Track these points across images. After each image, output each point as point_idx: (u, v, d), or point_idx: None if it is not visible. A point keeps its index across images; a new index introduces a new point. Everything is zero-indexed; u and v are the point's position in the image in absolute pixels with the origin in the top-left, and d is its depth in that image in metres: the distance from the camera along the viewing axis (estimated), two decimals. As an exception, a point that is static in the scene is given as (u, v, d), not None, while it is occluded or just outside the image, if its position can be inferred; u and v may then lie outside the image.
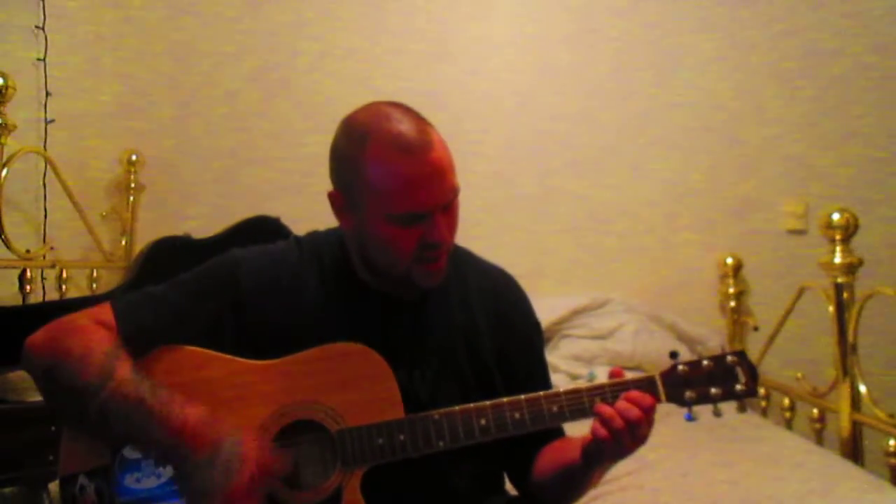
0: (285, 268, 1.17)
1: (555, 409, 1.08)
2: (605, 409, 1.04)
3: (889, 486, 1.72)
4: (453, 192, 1.09)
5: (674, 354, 1.12)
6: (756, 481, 1.68)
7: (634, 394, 1.05)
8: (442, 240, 1.08)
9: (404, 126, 1.06)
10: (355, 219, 1.12)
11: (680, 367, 1.10)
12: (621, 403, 1.04)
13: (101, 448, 1.06)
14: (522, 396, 1.09)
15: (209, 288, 1.14)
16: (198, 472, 0.99)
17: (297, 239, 1.24)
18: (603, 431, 1.03)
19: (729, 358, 1.11)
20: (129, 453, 1.05)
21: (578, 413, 1.08)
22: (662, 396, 1.08)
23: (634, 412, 1.03)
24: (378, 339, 1.10)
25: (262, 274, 1.15)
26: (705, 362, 1.11)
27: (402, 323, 1.16)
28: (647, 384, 1.08)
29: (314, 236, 1.25)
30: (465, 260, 1.27)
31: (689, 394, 1.09)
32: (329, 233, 1.24)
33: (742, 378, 1.10)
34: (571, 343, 2.44)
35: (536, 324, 1.30)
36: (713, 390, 1.09)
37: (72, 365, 1.03)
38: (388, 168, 1.05)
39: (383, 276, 1.14)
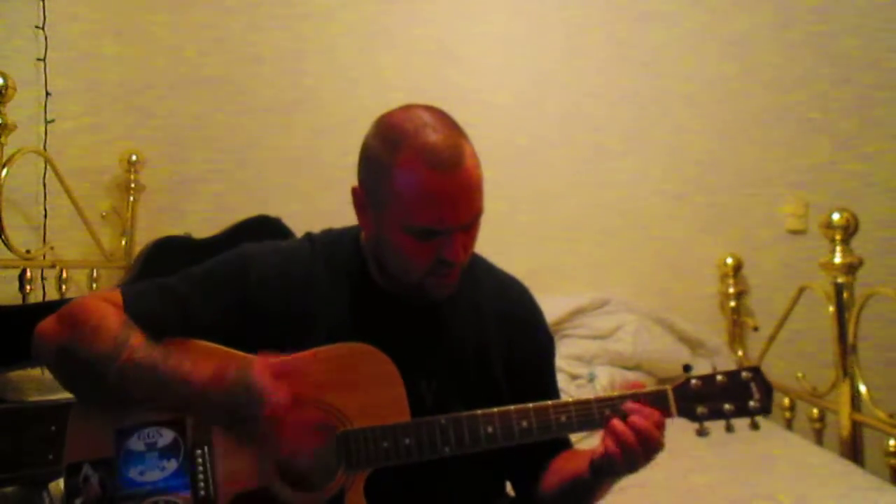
0: (297, 265, 1.16)
1: (563, 418, 1.07)
2: (618, 425, 1.03)
3: (889, 486, 1.72)
4: (476, 213, 1.08)
5: (687, 368, 1.10)
6: (756, 481, 1.69)
7: (648, 410, 1.04)
8: (456, 259, 1.07)
9: (439, 138, 1.04)
10: (375, 220, 1.11)
11: (693, 382, 1.08)
12: (634, 417, 1.03)
13: (106, 439, 1.06)
14: (530, 405, 1.08)
15: (219, 281, 1.14)
16: (228, 412, 1.02)
17: (311, 236, 1.23)
18: (615, 448, 1.02)
19: (744, 374, 1.09)
20: (134, 446, 1.05)
21: (587, 424, 1.07)
22: (674, 410, 1.07)
23: (650, 431, 1.02)
24: (387, 342, 1.09)
25: (273, 270, 1.14)
26: (719, 377, 1.08)
27: (412, 327, 1.15)
28: (658, 397, 1.07)
29: (328, 234, 1.24)
30: (481, 268, 1.26)
31: (700, 409, 1.07)
32: (344, 232, 1.23)
33: (756, 395, 1.08)
34: (571, 343, 2.44)
35: (549, 337, 1.29)
36: (726, 406, 1.07)
37: (86, 337, 1.04)
38: (415, 181, 1.03)
39: (396, 282, 1.13)
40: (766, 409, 1.09)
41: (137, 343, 1.04)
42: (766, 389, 1.09)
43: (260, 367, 1.03)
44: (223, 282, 1.14)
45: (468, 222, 1.07)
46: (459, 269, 1.11)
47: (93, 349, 1.04)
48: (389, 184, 1.06)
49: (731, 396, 1.08)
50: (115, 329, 1.05)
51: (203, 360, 1.04)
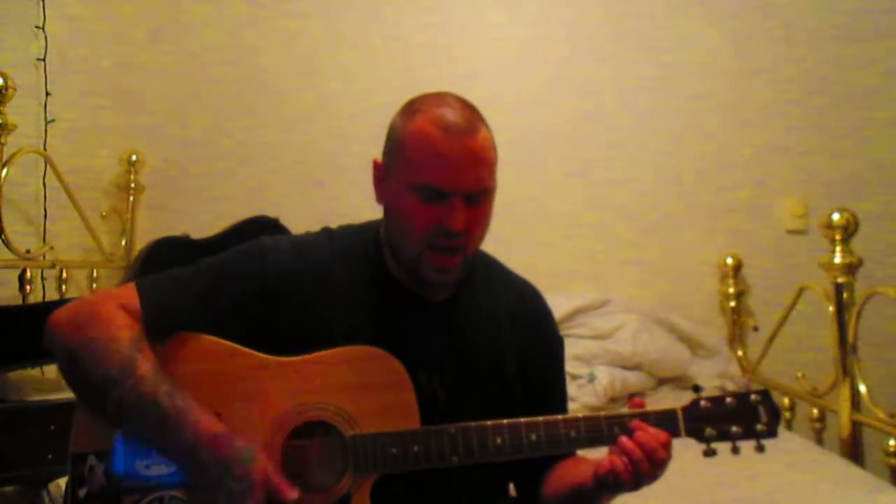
0: (314, 259, 1.16)
1: (572, 434, 1.08)
2: (628, 444, 1.03)
3: (889, 486, 1.72)
4: (480, 185, 1.09)
5: (697, 388, 1.11)
6: (756, 481, 1.68)
7: (654, 430, 1.05)
8: (457, 229, 1.07)
9: (454, 111, 1.09)
10: (386, 187, 1.14)
11: (702, 403, 1.09)
12: (644, 436, 1.04)
13: (113, 430, 1.05)
14: (540, 418, 1.08)
15: (235, 274, 1.13)
16: (206, 491, 0.98)
17: (329, 231, 1.23)
18: (623, 465, 1.02)
19: (752, 397, 1.10)
20: None
21: (596, 440, 1.08)
22: (682, 431, 1.08)
23: (657, 450, 1.03)
24: (402, 337, 1.10)
25: (290, 264, 1.14)
26: (728, 399, 1.10)
27: (428, 323, 1.16)
28: (667, 417, 1.08)
29: (347, 229, 1.24)
30: (494, 269, 1.27)
31: (709, 430, 1.08)
32: (363, 227, 1.23)
33: (764, 418, 1.09)
34: (571, 343, 2.43)
35: (560, 340, 1.30)
36: (734, 428, 1.08)
37: (94, 354, 1.02)
38: (423, 138, 1.07)
39: (402, 262, 1.14)
40: (772, 433, 1.09)
41: (144, 372, 1.01)
42: (774, 413, 1.10)
43: (263, 466, 0.98)
44: (239, 275, 1.13)
45: (472, 191, 1.08)
46: (461, 256, 1.11)
47: (98, 368, 1.01)
48: (399, 144, 1.10)
49: (739, 419, 1.09)
50: (124, 351, 1.02)
51: (209, 412, 1.01)
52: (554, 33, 2.78)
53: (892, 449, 1.83)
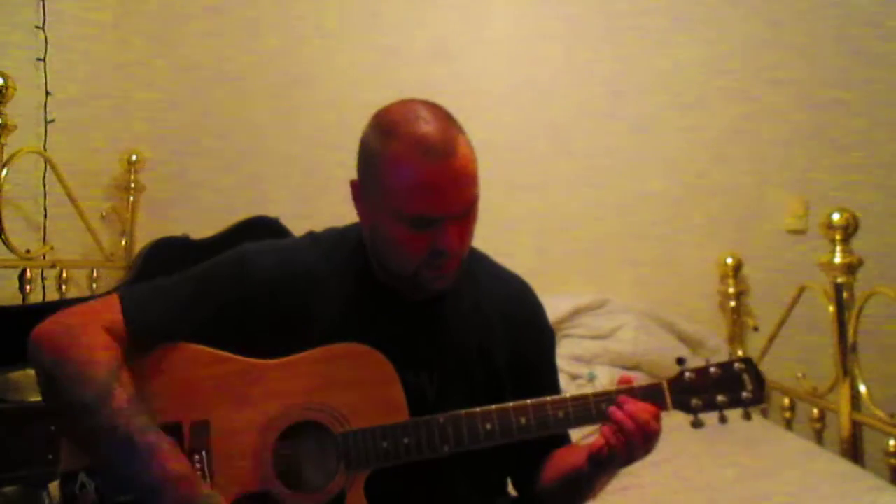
0: (297, 263, 1.16)
1: (560, 414, 1.08)
2: (618, 414, 1.03)
3: (889, 486, 1.72)
4: (469, 203, 1.07)
5: (681, 361, 1.11)
6: (756, 481, 1.68)
7: (643, 404, 1.05)
8: (451, 249, 1.06)
9: (431, 128, 1.04)
10: (370, 212, 1.12)
11: (687, 375, 1.10)
12: (634, 408, 1.03)
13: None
14: (528, 401, 1.08)
15: (218, 281, 1.13)
16: None
17: (313, 235, 1.23)
18: (614, 435, 1.02)
19: (736, 365, 1.11)
20: None
21: (584, 419, 1.08)
22: (669, 403, 1.08)
23: (647, 420, 1.02)
24: (388, 338, 1.09)
25: (273, 268, 1.14)
26: (712, 369, 1.10)
27: (414, 323, 1.15)
28: (653, 391, 1.08)
29: (330, 232, 1.24)
30: (481, 264, 1.26)
31: (695, 401, 1.08)
32: (346, 230, 1.23)
33: (749, 386, 1.10)
34: (571, 343, 2.44)
35: (550, 332, 1.29)
36: (720, 398, 1.09)
37: (71, 377, 1.01)
38: (405, 167, 1.04)
39: (393, 275, 1.13)
40: (758, 400, 1.10)
41: (120, 403, 0.99)
42: (759, 380, 1.10)
43: None
44: (222, 281, 1.13)
45: (461, 212, 1.07)
46: (458, 260, 1.10)
47: (74, 392, 1.00)
48: (382, 173, 1.06)
49: (725, 388, 1.10)
50: (102, 378, 1.01)
51: (180, 453, 0.99)
52: (554, 32, 2.78)
53: (892, 449, 1.84)
